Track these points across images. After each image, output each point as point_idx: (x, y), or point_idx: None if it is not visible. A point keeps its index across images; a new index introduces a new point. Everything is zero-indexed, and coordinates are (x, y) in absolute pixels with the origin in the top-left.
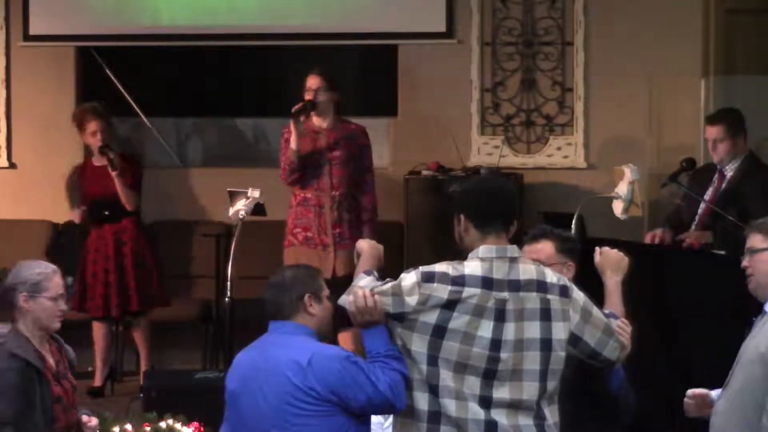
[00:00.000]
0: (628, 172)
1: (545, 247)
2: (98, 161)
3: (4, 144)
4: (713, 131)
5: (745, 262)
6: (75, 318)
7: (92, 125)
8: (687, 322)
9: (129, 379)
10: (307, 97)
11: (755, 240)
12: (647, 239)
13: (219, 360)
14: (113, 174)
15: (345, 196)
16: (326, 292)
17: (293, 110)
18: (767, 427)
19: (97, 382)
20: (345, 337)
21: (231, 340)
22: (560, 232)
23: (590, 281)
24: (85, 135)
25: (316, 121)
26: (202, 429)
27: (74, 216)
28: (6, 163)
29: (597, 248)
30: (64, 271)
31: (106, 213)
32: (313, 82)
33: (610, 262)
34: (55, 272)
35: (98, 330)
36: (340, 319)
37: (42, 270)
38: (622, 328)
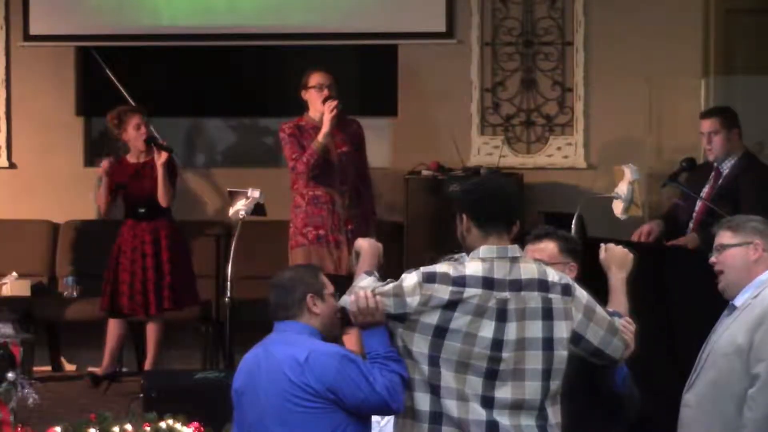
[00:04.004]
0: (628, 172)
1: (548, 247)
2: (134, 158)
3: (4, 144)
4: (708, 124)
5: (713, 258)
6: (88, 318)
7: (135, 119)
8: (687, 322)
9: (129, 379)
10: (321, 93)
11: (724, 236)
12: (634, 237)
13: (219, 360)
14: (162, 161)
15: (353, 191)
16: (329, 290)
17: (333, 112)
18: (750, 418)
19: (101, 371)
20: (348, 338)
21: (231, 340)
22: (564, 232)
23: (591, 281)
24: (126, 132)
25: (318, 117)
26: (202, 429)
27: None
28: (6, 163)
29: (602, 245)
30: (68, 272)
31: (142, 211)
32: (323, 78)
33: (615, 258)
34: None
35: (121, 328)
36: (344, 319)
37: None
38: (626, 326)
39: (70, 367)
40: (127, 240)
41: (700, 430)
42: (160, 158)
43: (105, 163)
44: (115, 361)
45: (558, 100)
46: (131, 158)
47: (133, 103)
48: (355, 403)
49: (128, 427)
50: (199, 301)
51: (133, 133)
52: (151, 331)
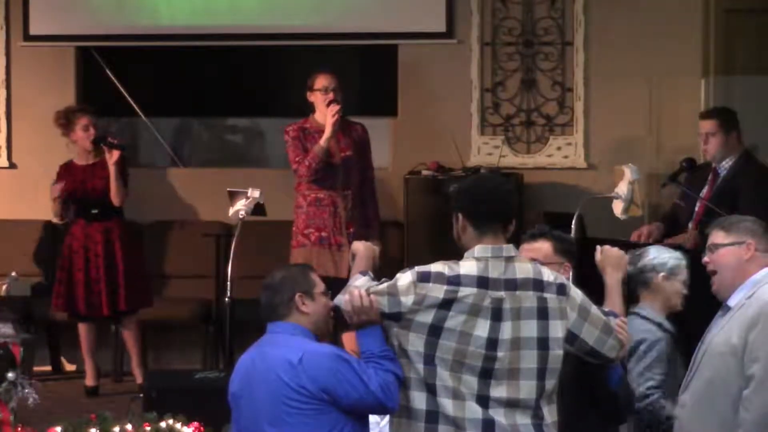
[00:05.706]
0: (628, 172)
1: (543, 247)
2: (82, 160)
3: (4, 144)
4: (706, 125)
5: (706, 258)
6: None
7: (84, 120)
8: (687, 320)
9: (129, 379)
10: (326, 96)
11: (717, 236)
12: (633, 237)
13: (219, 360)
14: (114, 160)
15: (355, 195)
16: (320, 289)
17: (335, 116)
18: (746, 419)
19: (91, 381)
20: (348, 337)
21: (231, 340)
22: (559, 232)
23: (590, 281)
24: (74, 133)
25: (323, 120)
26: (202, 429)
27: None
28: (6, 163)
29: (598, 246)
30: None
31: (94, 211)
32: (329, 80)
33: (611, 259)
34: None
35: (90, 330)
36: (338, 319)
37: (678, 256)
38: (621, 326)
39: (70, 367)
40: (78, 240)
41: (696, 430)
42: (112, 158)
43: (58, 188)
44: (96, 363)
45: (558, 100)
46: (79, 161)
47: (133, 104)
48: (350, 402)
49: (128, 427)
50: (152, 304)
51: (81, 134)
52: (128, 336)
